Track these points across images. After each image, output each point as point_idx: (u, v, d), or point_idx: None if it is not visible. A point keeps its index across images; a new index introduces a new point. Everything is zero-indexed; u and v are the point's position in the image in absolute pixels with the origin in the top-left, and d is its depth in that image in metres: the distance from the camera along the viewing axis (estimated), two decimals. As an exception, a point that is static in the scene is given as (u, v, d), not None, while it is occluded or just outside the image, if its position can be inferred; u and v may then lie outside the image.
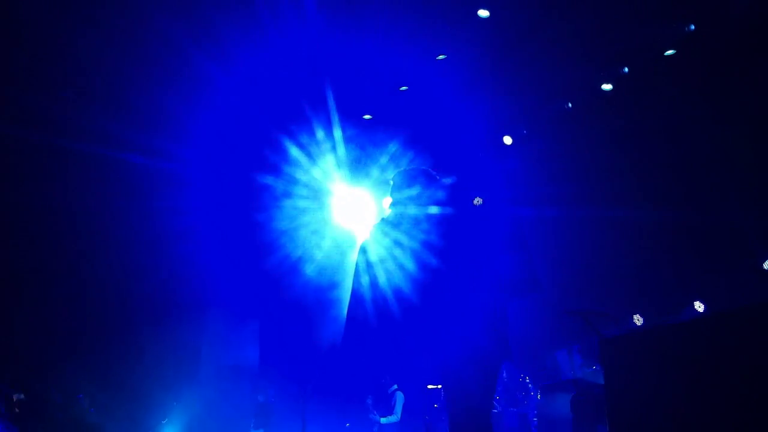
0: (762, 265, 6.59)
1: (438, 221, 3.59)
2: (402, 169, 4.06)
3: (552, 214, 8.10)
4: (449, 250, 3.45)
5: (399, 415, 9.58)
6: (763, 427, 2.80)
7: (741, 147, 7.10)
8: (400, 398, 9.67)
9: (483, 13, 7.66)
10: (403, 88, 9.27)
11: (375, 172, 9.70)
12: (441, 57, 8.69)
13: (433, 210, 3.65)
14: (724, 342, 3.09)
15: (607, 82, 8.33)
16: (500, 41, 7.92)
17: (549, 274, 8.36)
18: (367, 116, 9.79)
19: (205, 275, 11.24)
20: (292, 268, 10.94)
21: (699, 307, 7.35)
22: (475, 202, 3.57)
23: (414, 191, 3.80)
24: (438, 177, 3.88)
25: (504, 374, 8.50)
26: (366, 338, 3.61)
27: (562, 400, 6.28)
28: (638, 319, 7.55)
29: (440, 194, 3.74)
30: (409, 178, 3.89)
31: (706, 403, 3.08)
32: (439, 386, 8.29)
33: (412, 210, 3.73)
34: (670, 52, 7.56)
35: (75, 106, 8.35)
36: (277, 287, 11.41)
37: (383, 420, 9.57)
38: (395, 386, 9.81)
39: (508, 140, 9.24)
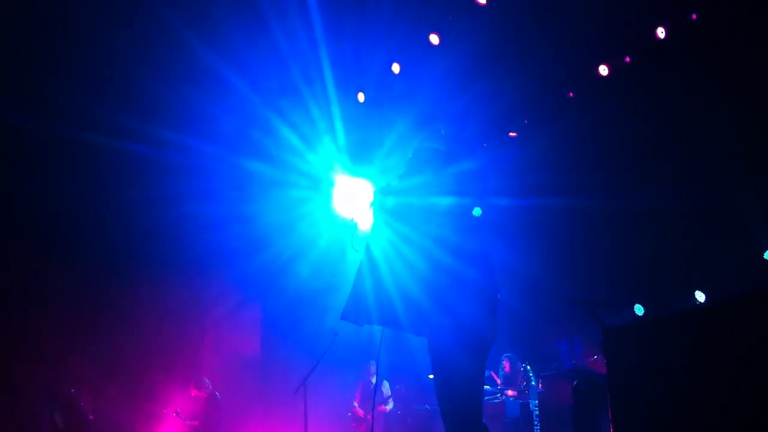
0: (763, 255, 6.59)
1: (453, 214, 3.27)
2: (420, 146, 3.66)
3: (553, 203, 8.10)
4: (465, 246, 3.20)
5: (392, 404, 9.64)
6: (765, 416, 2.82)
7: (742, 135, 7.09)
8: (386, 387, 9.70)
9: (481, 0, 7.66)
10: (396, 69, 9.22)
11: (378, 157, 9.54)
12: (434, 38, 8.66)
13: (446, 201, 3.29)
14: (725, 331, 3.12)
15: (607, 70, 8.31)
16: (500, 29, 7.91)
17: (550, 263, 8.42)
18: (360, 98, 9.74)
19: (206, 263, 11.27)
20: (290, 261, 10.93)
21: (700, 296, 7.35)
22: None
23: (425, 177, 3.41)
24: (450, 158, 3.49)
25: (506, 365, 8.52)
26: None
27: (563, 389, 6.31)
28: (639, 309, 7.56)
29: (453, 182, 3.34)
30: (423, 160, 3.52)
31: (708, 391, 3.10)
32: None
33: (422, 200, 3.35)
34: (661, 31, 7.51)
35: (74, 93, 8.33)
36: (278, 276, 11.43)
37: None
38: (374, 378, 9.76)
39: (512, 133, 9.22)
